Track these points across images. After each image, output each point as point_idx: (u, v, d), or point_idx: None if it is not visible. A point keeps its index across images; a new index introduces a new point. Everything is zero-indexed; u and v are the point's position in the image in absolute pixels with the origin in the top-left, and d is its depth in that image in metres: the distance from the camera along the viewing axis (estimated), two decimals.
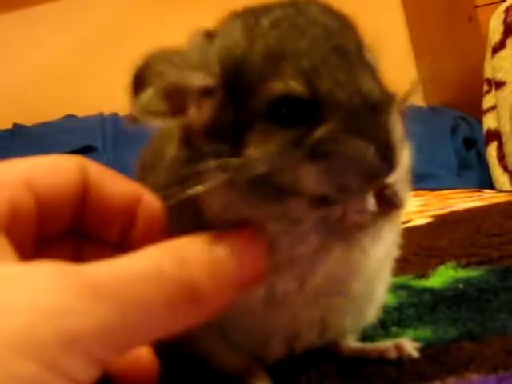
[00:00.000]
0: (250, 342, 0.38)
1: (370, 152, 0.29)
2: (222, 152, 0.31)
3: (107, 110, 2.03)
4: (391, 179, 0.31)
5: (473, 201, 0.98)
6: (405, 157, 0.34)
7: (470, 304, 0.45)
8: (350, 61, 0.31)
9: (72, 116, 2.08)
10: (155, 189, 0.36)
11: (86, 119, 2.03)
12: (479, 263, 0.54)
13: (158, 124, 0.33)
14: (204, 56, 0.32)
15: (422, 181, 1.52)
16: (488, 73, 1.78)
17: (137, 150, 1.51)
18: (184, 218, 0.33)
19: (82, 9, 2.19)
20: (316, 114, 0.30)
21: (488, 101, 1.78)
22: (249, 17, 0.32)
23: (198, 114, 0.32)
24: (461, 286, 0.49)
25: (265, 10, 0.32)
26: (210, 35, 0.33)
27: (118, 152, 1.87)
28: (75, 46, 2.19)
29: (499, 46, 1.72)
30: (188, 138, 0.33)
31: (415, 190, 1.28)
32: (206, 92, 0.32)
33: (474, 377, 0.32)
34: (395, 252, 0.39)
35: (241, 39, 0.31)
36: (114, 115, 2.03)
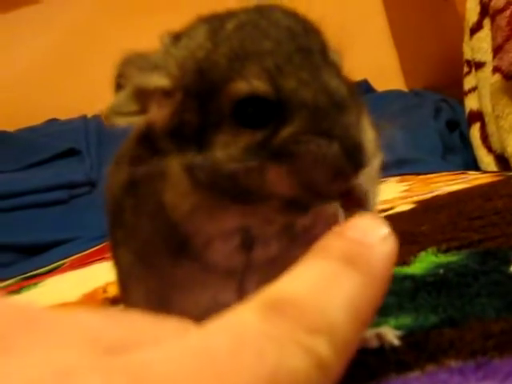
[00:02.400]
0: None
1: (334, 151, 0.29)
2: (186, 152, 0.31)
3: (90, 112, 2.02)
4: (361, 180, 0.31)
5: (456, 184, 0.99)
6: (376, 157, 0.33)
7: (450, 289, 0.45)
8: (314, 60, 0.31)
9: (55, 120, 2.07)
10: (117, 183, 0.37)
11: (68, 122, 2.02)
12: (459, 247, 0.54)
13: (126, 123, 0.33)
14: (165, 58, 0.32)
15: (407, 165, 1.53)
16: (467, 54, 1.78)
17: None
18: (147, 216, 0.34)
19: (61, 11, 2.18)
20: (282, 114, 0.30)
21: (469, 82, 1.79)
22: (213, 21, 0.33)
23: (159, 113, 0.33)
24: (441, 271, 0.49)
25: (230, 14, 0.33)
26: (177, 37, 0.33)
27: (101, 154, 1.87)
28: (55, 49, 2.18)
29: (477, 27, 1.72)
30: (150, 138, 0.33)
31: (400, 175, 1.28)
32: (164, 92, 0.32)
33: (453, 363, 0.32)
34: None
35: (204, 41, 0.32)
36: (97, 117, 2.02)
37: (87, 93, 2.07)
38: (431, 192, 0.92)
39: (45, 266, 1.32)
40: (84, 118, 2.01)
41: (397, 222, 0.68)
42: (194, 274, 0.34)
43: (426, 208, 0.76)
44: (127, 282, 0.39)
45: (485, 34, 1.69)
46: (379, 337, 0.38)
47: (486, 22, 1.69)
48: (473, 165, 1.74)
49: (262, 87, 0.30)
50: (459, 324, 0.38)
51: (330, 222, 0.31)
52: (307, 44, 0.31)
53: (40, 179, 1.74)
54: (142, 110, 0.33)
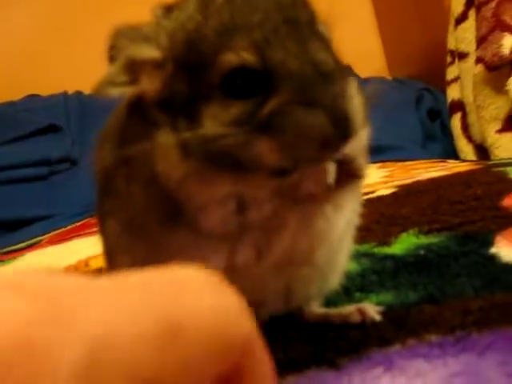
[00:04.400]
0: None
1: (321, 121, 0.29)
2: (177, 123, 0.32)
3: (71, 89, 2.00)
4: (350, 150, 0.32)
5: (436, 171, 1.00)
6: (364, 128, 0.34)
7: (430, 269, 0.46)
8: (301, 32, 0.31)
9: (35, 95, 2.05)
10: (108, 153, 0.37)
11: (49, 98, 1.99)
12: (440, 230, 0.55)
13: (118, 94, 0.34)
14: (156, 30, 0.33)
15: (388, 152, 1.54)
16: (451, 44, 1.79)
17: (101, 128, 1.49)
18: (139, 185, 0.34)
19: None
20: (269, 85, 0.30)
21: (452, 72, 1.80)
22: None
23: (150, 84, 0.33)
24: (422, 252, 0.50)
25: None
26: (168, 10, 0.33)
27: (82, 130, 1.85)
28: (36, 24, 2.15)
29: (462, 18, 1.73)
30: (141, 108, 0.34)
31: (381, 161, 1.29)
32: (156, 64, 0.33)
33: (433, 338, 0.33)
34: (356, 220, 0.40)
35: (195, 14, 0.32)
36: (79, 93, 2.01)
37: (68, 69, 2.06)
38: (412, 178, 0.93)
39: (23, 242, 1.30)
40: (65, 94, 1.98)
41: (378, 204, 0.69)
42: (187, 240, 0.34)
43: (407, 192, 0.77)
44: (113, 253, 0.40)
45: (469, 24, 1.70)
46: (361, 312, 0.39)
47: (471, 13, 1.70)
48: (452, 154, 1.75)
49: (249, 59, 0.30)
50: (439, 301, 0.39)
51: (319, 177, 0.32)
52: (295, 16, 0.32)
53: (20, 155, 1.73)
54: (134, 81, 0.33)
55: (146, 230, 0.36)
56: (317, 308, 0.42)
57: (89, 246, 0.91)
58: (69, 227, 1.41)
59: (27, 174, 1.71)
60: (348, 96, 0.30)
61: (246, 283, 0.36)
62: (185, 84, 0.32)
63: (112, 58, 0.34)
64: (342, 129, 0.29)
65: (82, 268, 0.71)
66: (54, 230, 1.40)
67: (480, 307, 0.36)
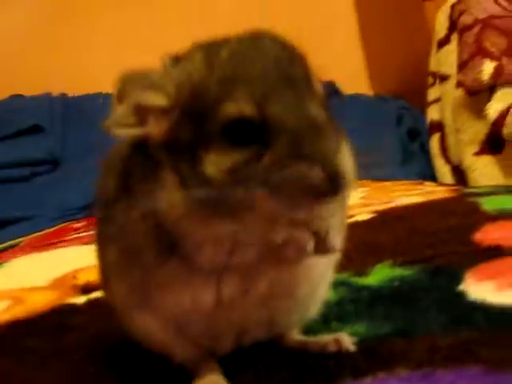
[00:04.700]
0: (203, 337, 0.41)
1: (314, 174, 0.32)
2: (179, 165, 0.35)
3: (55, 91, 2.01)
4: (327, 225, 0.36)
5: (413, 195, 1.03)
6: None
7: (403, 302, 0.49)
8: (297, 88, 0.34)
9: (19, 96, 2.04)
10: (111, 183, 0.40)
11: (33, 99, 1.98)
12: (413, 262, 0.58)
13: (125, 134, 0.37)
14: (164, 78, 0.36)
15: (365, 169, 1.57)
16: (433, 66, 1.83)
17: (84, 131, 1.53)
18: (138, 217, 0.37)
19: None
20: (266, 135, 0.33)
21: (433, 93, 1.83)
22: (209, 47, 0.36)
23: (156, 128, 0.36)
24: (396, 284, 0.53)
25: (224, 42, 0.36)
26: (177, 59, 0.36)
27: (65, 133, 1.86)
28: (21, 26, 2.15)
29: (445, 41, 1.77)
30: (145, 146, 0.37)
31: (359, 179, 1.32)
32: (162, 110, 0.36)
33: (402, 372, 0.36)
34: (338, 256, 0.43)
35: (200, 66, 0.35)
36: (63, 95, 2.02)
37: (53, 71, 2.06)
38: (390, 201, 0.96)
39: (2, 243, 1.30)
40: (49, 95, 1.99)
41: (357, 230, 0.72)
42: (178, 272, 0.37)
43: (384, 219, 0.80)
44: (110, 277, 0.43)
45: (452, 48, 1.74)
46: (337, 342, 0.42)
47: (454, 37, 1.74)
48: (430, 174, 1.78)
49: (248, 110, 0.34)
50: (409, 336, 0.42)
51: (300, 249, 0.36)
52: (292, 73, 0.35)
53: (2, 155, 1.73)
54: (141, 123, 0.36)
55: (140, 259, 0.39)
56: (296, 335, 0.45)
57: (75, 257, 0.93)
58: (48, 231, 1.40)
59: (9, 175, 1.72)
60: (340, 151, 0.33)
61: (232, 314, 0.39)
62: (188, 130, 0.35)
63: (120, 100, 0.37)
64: (334, 182, 0.33)
65: (69, 281, 0.73)
66: (34, 232, 1.40)
67: (447, 345, 0.39)
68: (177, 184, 0.35)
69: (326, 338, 0.43)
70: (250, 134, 0.34)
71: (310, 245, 0.36)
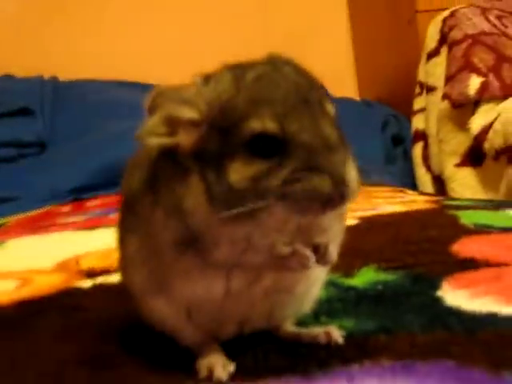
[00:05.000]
0: (210, 323, 0.47)
1: (325, 184, 0.38)
2: (206, 173, 0.40)
3: (46, 74, 2.03)
4: (326, 240, 0.42)
5: (396, 203, 1.09)
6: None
7: (386, 303, 0.55)
8: (313, 110, 0.40)
9: (10, 76, 2.07)
10: (137, 179, 0.46)
11: (24, 81, 2.02)
12: (396, 268, 0.64)
13: (157, 142, 0.42)
14: (196, 95, 0.41)
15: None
16: (421, 76, 1.88)
17: (73, 116, 1.57)
18: (163, 212, 0.42)
19: None
20: (285, 149, 0.39)
21: (419, 102, 1.88)
22: (237, 70, 0.42)
23: (186, 139, 0.41)
24: (380, 287, 0.59)
25: (250, 66, 0.42)
26: (207, 78, 0.42)
27: (55, 117, 1.89)
28: (16, 6, 2.17)
29: (434, 53, 1.82)
30: (176, 156, 0.42)
31: None
32: (193, 123, 0.41)
33: (385, 362, 0.42)
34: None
35: (229, 87, 0.41)
36: (54, 79, 2.04)
37: (45, 54, 2.08)
38: (373, 208, 1.02)
39: None
40: (40, 78, 2.01)
41: (344, 235, 0.77)
42: (193, 264, 0.43)
43: (369, 226, 0.86)
44: (130, 263, 0.48)
45: (440, 60, 1.79)
46: (327, 334, 0.48)
47: (443, 50, 1.79)
48: (411, 181, 1.83)
49: (271, 127, 0.39)
50: (392, 332, 0.48)
51: (303, 262, 0.41)
52: (309, 96, 0.41)
53: None
54: (171, 133, 0.42)
55: (161, 250, 0.44)
56: (290, 327, 0.51)
57: (73, 242, 0.97)
58: (35, 212, 1.44)
59: None
60: (347, 166, 0.39)
61: (238, 304, 0.45)
62: (216, 142, 0.40)
63: (151, 112, 0.42)
64: (342, 191, 0.38)
65: (73, 266, 0.77)
66: (19, 213, 1.44)
67: (424, 342, 0.45)
68: (202, 189, 0.40)
69: (317, 330, 0.49)
70: (271, 147, 0.39)
71: (312, 259, 0.42)
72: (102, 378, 0.45)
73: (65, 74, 2.06)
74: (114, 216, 1.12)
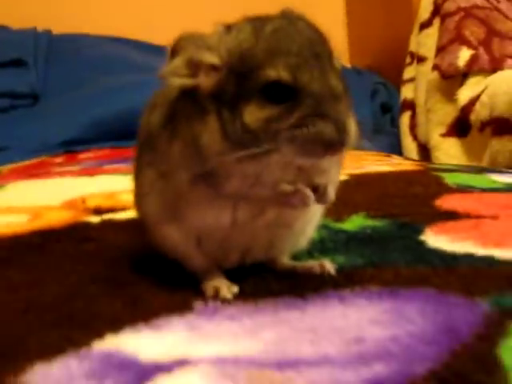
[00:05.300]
0: (217, 250, 0.51)
1: (329, 131, 0.43)
2: (222, 113, 0.45)
3: (40, 26, 2.04)
4: (325, 181, 0.47)
5: (383, 165, 1.14)
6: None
7: (374, 244, 0.60)
8: (323, 64, 0.45)
9: (4, 27, 2.06)
10: (156, 116, 0.50)
11: (19, 32, 2.01)
12: (383, 216, 0.69)
13: (179, 82, 0.47)
14: (218, 42, 0.46)
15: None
16: (413, 46, 1.90)
17: (66, 70, 1.59)
18: (181, 146, 0.47)
19: None
20: (296, 97, 0.44)
21: (409, 72, 1.91)
22: (257, 22, 0.46)
23: (206, 81, 0.46)
24: (368, 231, 0.65)
25: (268, 19, 0.46)
26: (228, 28, 0.46)
27: (48, 69, 1.91)
28: None
29: (427, 24, 1.84)
30: (195, 96, 0.46)
31: None
32: (213, 67, 0.45)
33: (373, 288, 0.47)
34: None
35: (249, 37, 0.45)
36: (48, 32, 2.05)
37: (39, 5, 2.08)
38: (362, 167, 1.07)
39: None
40: (34, 30, 2.02)
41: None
42: (204, 195, 0.48)
43: (358, 182, 0.91)
44: (146, 194, 0.52)
45: (432, 31, 1.82)
46: (321, 266, 0.53)
47: (436, 22, 1.81)
48: (397, 149, 1.86)
49: (285, 76, 0.44)
50: (378, 266, 0.53)
51: (304, 200, 0.46)
52: (320, 51, 0.45)
53: None
54: (193, 75, 0.46)
55: (175, 181, 0.49)
56: (287, 260, 0.56)
57: (75, 185, 1.01)
58: (29, 162, 1.46)
59: None
60: (349, 116, 0.44)
61: (242, 234, 0.50)
62: (233, 85, 0.45)
63: (175, 54, 0.46)
64: (343, 137, 0.43)
65: (79, 205, 0.81)
66: (8, 163, 1.45)
67: (408, 274, 0.51)
68: (219, 127, 0.45)
69: (311, 263, 0.54)
70: (284, 94, 0.44)
71: (312, 198, 0.47)
72: (115, 295, 0.50)
73: (59, 28, 2.06)
74: (109, 167, 1.16)
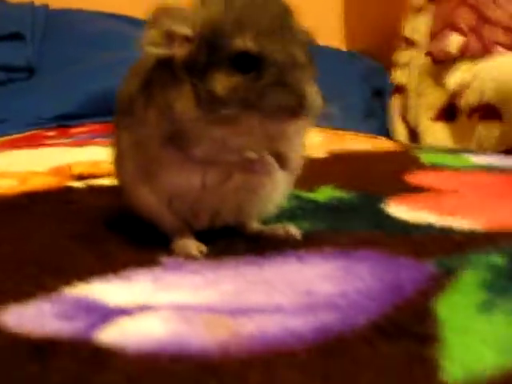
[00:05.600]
0: (187, 212, 0.55)
1: (291, 98, 0.46)
2: (194, 81, 0.48)
3: (38, 0, 2.05)
4: (289, 149, 0.50)
5: (365, 144, 1.17)
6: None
7: (338, 213, 0.64)
8: (288, 36, 0.48)
9: (1, 1, 2.02)
10: (133, 83, 0.53)
11: (17, 6, 2.00)
12: (351, 189, 0.73)
13: (155, 51, 0.50)
14: (193, 14, 0.49)
15: (329, 116, 1.66)
16: (406, 31, 1.91)
17: (63, 45, 1.60)
18: (155, 111, 0.50)
19: None
20: (262, 66, 0.47)
21: (402, 56, 1.91)
22: None
23: (180, 51, 0.49)
24: (335, 201, 0.68)
25: None
26: (203, 1, 0.49)
27: (45, 44, 1.91)
28: None
29: (421, 9, 1.87)
30: (170, 66, 0.50)
31: (321, 126, 1.43)
32: (187, 38, 0.48)
33: (329, 250, 0.51)
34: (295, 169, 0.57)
35: (220, 9, 0.49)
36: (45, 6, 2.06)
37: None
38: (343, 147, 1.10)
39: None
40: (32, 4, 2.02)
41: (311, 163, 0.86)
42: (176, 158, 0.51)
43: (336, 158, 0.95)
44: (123, 157, 0.56)
45: (427, 17, 1.83)
46: (286, 230, 0.56)
47: (431, 7, 1.83)
48: (387, 133, 1.88)
49: (251, 46, 0.47)
50: (339, 231, 0.57)
51: (267, 167, 0.49)
52: (286, 24, 0.49)
53: None
54: (168, 46, 0.49)
55: (149, 145, 0.52)
56: (255, 224, 0.59)
57: (64, 155, 1.04)
58: (20, 135, 1.47)
59: None
60: (312, 85, 0.47)
61: (211, 197, 0.53)
62: (205, 55, 0.48)
63: (153, 25, 0.49)
64: (303, 105, 0.46)
65: (66, 171, 0.85)
66: (3, 135, 1.45)
67: (363, 237, 0.54)
68: (192, 95, 0.48)
69: (277, 227, 0.57)
70: (250, 64, 0.47)
71: (275, 166, 0.50)
72: (89, 249, 0.53)
73: (56, 3, 2.07)
74: (100, 140, 1.18)
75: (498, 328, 0.38)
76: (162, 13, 0.49)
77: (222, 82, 0.47)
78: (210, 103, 0.47)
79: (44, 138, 1.41)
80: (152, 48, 0.49)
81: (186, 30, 0.49)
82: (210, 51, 0.48)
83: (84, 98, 1.67)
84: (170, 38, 0.49)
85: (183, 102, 0.49)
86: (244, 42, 0.47)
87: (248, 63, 0.47)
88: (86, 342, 0.37)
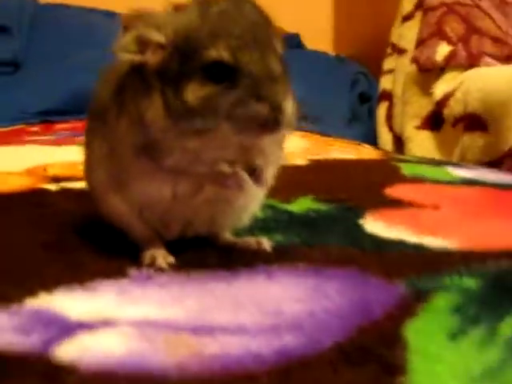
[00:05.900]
0: (158, 222, 0.54)
1: (264, 111, 0.45)
2: (166, 90, 0.47)
3: None
4: (262, 163, 0.49)
5: (347, 153, 1.17)
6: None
7: (314, 227, 0.63)
8: (263, 46, 0.47)
9: None
10: (106, 91, 0.52)
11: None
12: (330, 201, 0.72)
13: (127, 58, 0.49)
14: (166, 22, 0.48)
15: (313, 123, 1.66)
16: (394, 38, 1.91)
17: (50, 39, 1.59)
18: (127, 120, 0.49)
19: None
20: (235, 77, 0.46)
21: (389, 63, 1.91)
22: (204, 4, 0.48)
23: (152, 58, 0.48)
24: (312, 213, 0.67)
25: (215, 2, 0.48)
26: (177, 9, 0.48)
27: (32, 37, 1.91)
28: None
29: (409, 16, 1.86)
30: (142, 72, 0.49)
31: (305, 131, 1.43)
32: (160, 45, 0.47)
33: (301, 266, 0.50)
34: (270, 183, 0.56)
35: (195, 18, 0.47)
36: (34, 1, 2.05)
37: None
38: (326, 154, 1.09)
39: None
40: None
41: (291, 171, 0.85)
42: (146, 168, 0.50)
43: (316, 166, 0.94)
44: (95, 165, 0.54)
45: (414, 24, 1.83)
46: (258, 243, 0.55)
47: (418, 15, 1.83)
48: (373, 139, 1.88)
49: (226, 56, 0.46)
50: (312, 246, 0.56)
51: (239, 183, 0.48)
52: (262, 34, 0.48)
53: None
54: (141, 52, 0.48)
55: (121, 153, 0.51)
56: (228, 236, 0.58)
57: (41, 154, 1.03)
58: (3, 130, 1.47)
59: None
60: (287, 98, 0.46)
61: (183, 208, 0.52)
62: (177, 64, 0.47)
63: (126, 31, 0.48)
64: (277, 118, 0.45)
65: (40, 172, 0.84)
66: None
67: (337, 254, 0.54)
68: (163, 103, 0.47)
69: (250, 240, 0.56)
70: (223, 74, 0.46)
71: (248, 182, 0.49)
72: (57, 258, 0.52)
73: None
74: (81, 139, 1.17)
75: (468, 358, 0.38)
76: (137, 18, 0.48)
77: (194, 92, 0.46)
78: (181, 113, 0.46)
79: (26, 134, 1.40)
80: (125, 54, 0.48)
81: (159, 37, 0.48)
82: (183, 59, 0.47)
83: (69, 94, 1.66)
84: (144, 44, 0.48)
85: (154, 112, 0.48)
86: (218, 52, 0.46)
87: (221, 73, 0.46)
88: (41, 358, 0.36)
